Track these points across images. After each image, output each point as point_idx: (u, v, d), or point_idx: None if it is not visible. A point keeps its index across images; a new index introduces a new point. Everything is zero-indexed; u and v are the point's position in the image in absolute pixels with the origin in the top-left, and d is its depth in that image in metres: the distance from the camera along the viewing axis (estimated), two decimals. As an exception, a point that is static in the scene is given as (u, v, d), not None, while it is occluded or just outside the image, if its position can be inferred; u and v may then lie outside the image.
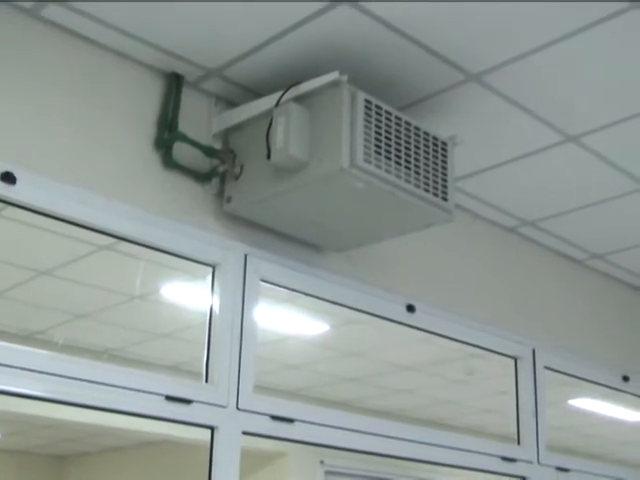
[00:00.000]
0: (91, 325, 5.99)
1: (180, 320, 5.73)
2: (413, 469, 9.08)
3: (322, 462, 8.41)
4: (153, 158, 3.29)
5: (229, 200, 3.38)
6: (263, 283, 3.52)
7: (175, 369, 5.73)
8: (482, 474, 8.64)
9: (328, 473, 8.59)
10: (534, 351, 4.68)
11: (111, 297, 5.56)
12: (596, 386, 5.78)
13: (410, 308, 4.07)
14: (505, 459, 4.41)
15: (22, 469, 10.82)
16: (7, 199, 2.88)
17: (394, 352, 6.50)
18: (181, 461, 8.80)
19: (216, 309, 3.36)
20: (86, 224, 3.08)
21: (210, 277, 3.43)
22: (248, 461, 3.32)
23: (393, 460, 8.33)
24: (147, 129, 3.29)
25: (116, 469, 10.24)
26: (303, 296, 4.64)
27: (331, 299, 3.81)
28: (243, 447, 3.27)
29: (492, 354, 5.32)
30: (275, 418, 3.39)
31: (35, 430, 9.51)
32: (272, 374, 4.16)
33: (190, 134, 3.35)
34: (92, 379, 2.91)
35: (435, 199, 3.27)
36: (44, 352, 2.89)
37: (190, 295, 5.17)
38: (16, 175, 2.85)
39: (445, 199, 3.31)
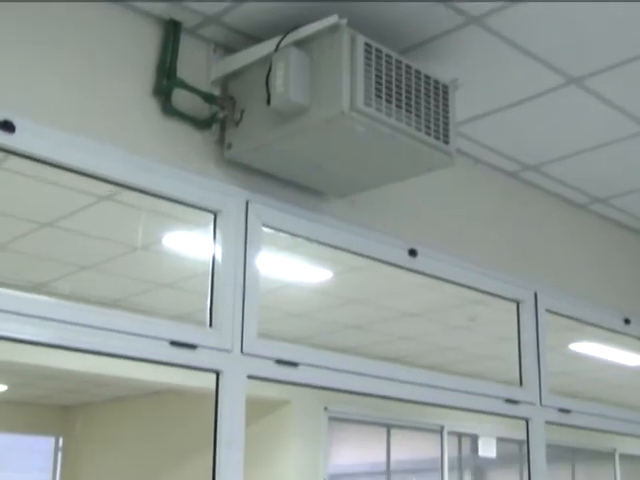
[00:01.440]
0: (94, 277, 6.00)
1: (183, 270, 5.74)
2: (418, 414, 9.17)
3: (326, 408, 8.48)
4: (152, 105, 3.28)
5: (229, 146, 3.37)
6: (265, 229, 3.52)
7: (179, 319, 5.75)
8: (486, 417, 8.75)
9: (332, 419, 8.66)
10: (536, 294, 4.70)
11: (113, 248, 5.56)
12: (597, 330, 5.81)
13: (412, 253, 4.07)
14: (508, 401, 4.44)
15: (28, 420, 10.93)
16: (6, 148, 2.87)
17: (396, 299, 6.51)
18: (186, 410, 8.89)
19: (219, 256, 3.37)
20: (86, 172, 3.08)
21: (212, 225, 3.43)
22: (252, 409, 3.34)
23: (397, 406, 8.42)
24: (146, 76, 3.27)
25: (121, 419, 10.32)
26: (305, 244, 4.65)
27: (333, 244, 3.82)
28: (247, 395, 3.29)
29: (494, 300, 5.35)
30: (279, 362, 3.41)
31: (41, 381, 9.59)
32: (275, 322, 4.17)
33: (189, 81, 3.33)
34: (97, 325, 2.94)
35: (436, 142, 3.26)
36: (49, 299, 2.91)
37: (192, 244, 5.18)
38: (15, 124, 2.84)
39: (446, 142, 3.30)
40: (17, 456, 11.18)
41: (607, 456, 11.73)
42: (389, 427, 9.73)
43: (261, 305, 3.43)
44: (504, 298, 4.63)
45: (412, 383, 3.97)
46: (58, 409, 11.21)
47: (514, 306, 4.72)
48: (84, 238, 5.39)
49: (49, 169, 3.05)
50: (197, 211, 3.47)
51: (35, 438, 11.40)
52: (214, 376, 3.27)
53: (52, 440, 11.40)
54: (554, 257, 4.96)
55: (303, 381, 3.55)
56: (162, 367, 7.11)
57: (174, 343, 3.11)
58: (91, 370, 7.44)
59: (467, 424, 9.91)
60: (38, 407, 11.00)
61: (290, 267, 5.67)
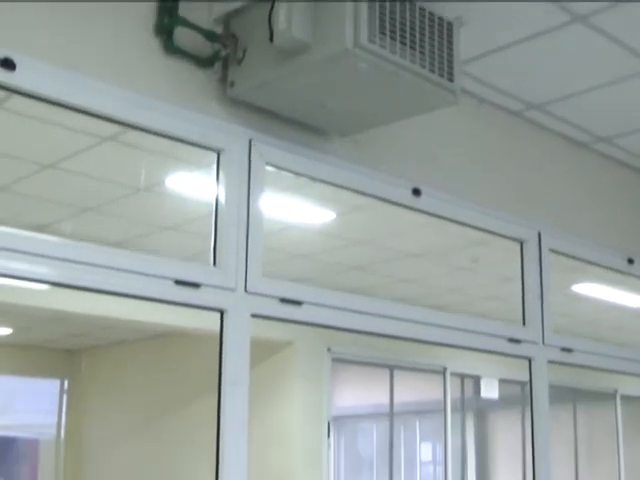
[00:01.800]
0: (96, 218, 5.99)
1: (186, 212, 5.73)
2: (420, 356, 9.22)
3: (329, 350, 8.52)
4: (154, 44, 3.25)
5: (232, 85, 3.35)
6: (268, 168, 3.51)
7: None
8: (488, 358, 8.79)
9: (335, 360, 8.71)
10: (539, 234, 4.70)
11: (116, 190, 5.54)
12: (600, 272, 5.81)
13: (416, 192, 4.07)
14: (511, 340, 4.47)
15: (34, 363, 11.00)
16: (7, 86, 2.85)
17: (399, 240, 6.51)
18: (190, 352, 8.94)
19: (222, 195, 3.36)
20: (88, 111, 3.06)
21: (215, 165, 3.42)
22: (256, 351, 3.35)
23: (400, 347, 8.48)
24: (147, 15, 3.24)
25: (126, 361, 10.39)
26: (308, 184, 4.63)
27: (336, 183, 3.81)
28: (251, 336, 3.30)
29: (497, 241, 5.34)
30: (283, 301, 3.43)
31: (46, 324, 9.63)
32: (278, 264, 4.18)
33: (191, 19, 3.29)
34: (101, 264, 2.94)
35: (440, 80, 3.24)
36: (53, 238, 2.91)
37: (196, 186, 5.16)
38: (16, 61, 2.82)
39: (451, 80, 3.28)
40: (23, 399, 11.28)
41: (608, 397, 11.82)
42: (392, 368, 9.79)
43: (264, 246, 3.43)
44: (507, 238, 4.63)
45: (415, 322, 3.99)
46: (63, 352, 11.27)
47: (517, 247, 4.72)
48: (86, 180, 5.37)
49: (50, 109, 3.03)
50: (200, 152, 3.46)
51: (41, 381, 11.49)
52: (218, 316, 3.28)
53: (57, 383, 11.48)
54: (558, 197, 4.95)
55: (307, 320, 3.57)
56: (167, 309, 7.13)
57: (178, 282, 3.12)
58: (96, 312, 7.47)
59: (470, 365, 9.98)
60: (44, 350, 11.07)
61: (293, 208, 5.65)
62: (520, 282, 4.72)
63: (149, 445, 9.65)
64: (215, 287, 3.22)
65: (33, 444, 11.11)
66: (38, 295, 7.15)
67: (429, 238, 6.35)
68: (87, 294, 6.76)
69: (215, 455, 3.19)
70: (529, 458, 4.58)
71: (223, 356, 3.23)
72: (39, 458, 11.04)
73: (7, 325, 9.73)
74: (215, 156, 3.42)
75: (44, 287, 7.03)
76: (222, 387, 3.19)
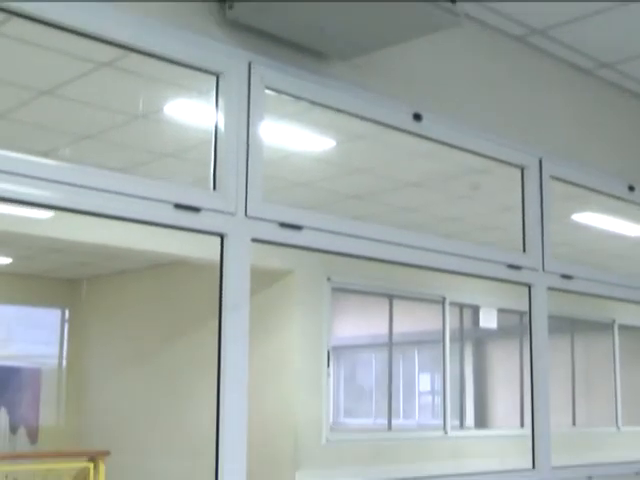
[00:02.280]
0: (96, 146, 5.97)
1: (186, 139, 5.70)
2: (420, 285, 9.26)
3: (329, 279, 8.55)
4: (151, -35, 3.18)
5: (231, 7, 3.29)
6: (268, 92, 3.47)
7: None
8: (487, 288, 8.82)
9: (335, 290, 8.75)
10: (541, 161, 4.67)
11: (114, 117, 5.51)
12: (600, 200, 5.80)
13: (417, 117, 4.02)
14: (510, 266, 4.47)
15: (34, 293, 11.05)
16: (4, 7, 2.80)
17: (399, 168, 6.49)
18: (192, 281, 8.97)
19: (222, 118, 3.32)
20: (85, 33, 3.00)
21: (214, 91, 3.38)
22: (256, 279, 3.35)
23: (399, 276, 8.50)
24: None
25: (126, 291, 10.44)
26: (308, 111, 4.59)
27: (337, 107, 3.76)
28: (251, 265, 3.30)
29: (497, 169, 5.31)
30: (283, 225, 3.41)
31: (46, 254, 9.65)
32: (278, 192, 4.15)
33: (188, -63, 3.23)
34: (101, 187, 2.92)
35: (444, 1, 3.19)
36: (52, 162, 2.89)
37: (195, 112, 5.12)
38: (7, -18, 2.77)
39: (453, 1, 3.22)
40: (24, 329, 11.35)
41: (606, 327, 11.91)
42: (391, 298, 9.83)
43: (264, 174, 3.41)
44: (509, 164, 4.60)
45: (415, 248, 3.98)
46: (65, 282, 11.32)
47: (517, 175, 4.70)
48: (84, 106, 5.33)
49: (47, 33, 2.98)
50: (199, 77, 3.41)
51: (42, 311, 11.54)
52: (218, 244, 3.26)
53: (59, 312, 11.55)
54: (559, 123, 4.91)
55: (307, 244, 3.55)
56: (168, 238, 7.18)
57: (178, 206, 3.10)
58: (97, 241, 7.48)
59: (468, 295, 10.02)
60: (44, 280, 11.11)
61: (293, 136, 5.62)
62: (520, 211, 4.70)
63: (150, 372, 9.74)
64: (215, 211, 3.20)
65: (35, 373, 11.21)
66: (39, 224, 7.15)
67: (429, 166, 6.32)
68: (88, 223, 6.77)
69: (216, 380, 3.21)
70: (527, 388, 4.61)
71: (223, 280, 3.22)
72: (41, 386, 11.14)
73: (7, 254, 9.75)
74: (214, 81, 3.38)
75: (45, 216, 7.05)
76: (223, 311, 3.19)
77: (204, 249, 3.54)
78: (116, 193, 2.95)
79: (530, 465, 4.53)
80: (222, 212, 3.22)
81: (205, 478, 3.24)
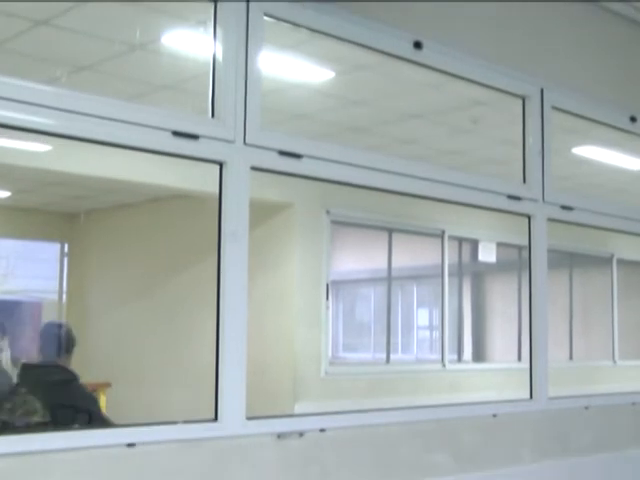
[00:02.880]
0: (92, 77, 5.91)
1: (183, 70, 5.65)
2: (419, 219, 9.26)
3: (328, 212, 8.53)
4: None
5: None
6: (267, 19, 3.42)
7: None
8: (486, 222, 8.81)
9: (334, 222, 8.74)
10: (542, 91, 4.62)
11: (111, 48, 5.44)
12: (600, 133, 5.77)
13: (417, 45, 3.97)
14: (510, 197, 4.45)
15: (33, 227, 11.03)
16: None
17: (399, 100, 6.45)
18: (192, 214, 8.95)
19: (220, 46, 3.28)
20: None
21: (212, 17, 3.33)
22: (256, 212, 3.35)
23: (399, 209, 8.48)
24: None
25: (126, 225, 10.42)
26: (307, 41, 4.54)
27: (336, 35, 3.72)
28: (251, 197, 3.28)
29: (497, 101, 5.27)
30: (283, 153, 3.39)
31: (45, 187, 9.62)
32: (277, 124, 4.11)
33: None
34: (99, 114, 2.90)
35: None
36: (50, 88, 2.86)
37: (193, 43, 5.07)
38: None
39: None
40: (24, 263, 11.36)
41: (605, 261, 11.93)
42: (390, 231, 9.83)
43: (263, 107, 3.38)
44: (510, 94, 4.56)
45: (415, 177, 3.96)
46: (64, 215, 11.29)
47: (518, 108, 4.66)
48: (81, 37, 5.27)
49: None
50: (197, 7, 3.36)
51: (41, 246, 11.54)
52: (216, 178, 3.25)
53: (58, 246, 11.55)
54: (562, 53, 4.86)
55: (306, 173, 3.53)
56: (167, 171, 7.14)
57: (176, 133, 3.08)
58: (96, 174, 7.46)
59: (468, 229, 10.02)
60: (43, 213, 11.08)
61: (292, 67, 5.57)
62: (521, 145, 4.67)
63: (151, 305, 9.78)
64: (214, 139, 3.18)
65: (36, 307, 11.25)
66: (37, 157, 7.11)
67: (429, 98, 6.29)
68: (87, 156, 6.74)
69: (216, 309, 3.22)
70: (525, 322, 4.62)
71: (222, 208, 3.21)
72: (42, 320, 11.19)
73: (5, 188, 9.72)
74: (212, 8, 3.32)
75: (43, 148, 7.01)
76: (222, 239, 3.19)
77: (204, 182, 3.52)
78: (114, 120, 2.93)
79: (528, 396, 4.58)
80: (221, 140, 3.20)
81: (205, 410, 3.27)
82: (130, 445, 2.90)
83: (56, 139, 2.93)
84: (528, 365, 4.61)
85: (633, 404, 5.20)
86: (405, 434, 3.87)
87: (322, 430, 3.48)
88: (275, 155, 3.37)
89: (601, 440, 4.91)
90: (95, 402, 5.22)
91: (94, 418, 4.80)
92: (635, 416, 5.20)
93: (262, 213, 8.06)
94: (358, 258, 11.52)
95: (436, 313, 11.52)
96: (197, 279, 8.71)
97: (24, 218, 10.81)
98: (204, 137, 3.15)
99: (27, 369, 5.35)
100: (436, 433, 4.03)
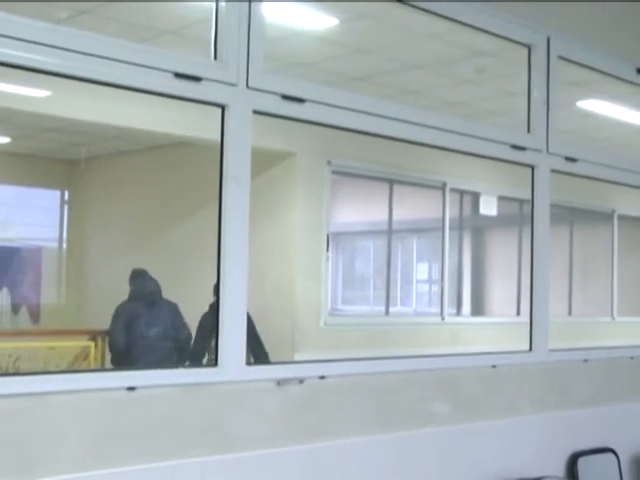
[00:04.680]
0: (93, 21, 5.83)
1: (185, 15, 5.59)
2: (421, 170, 9.21)
3: (329, 162, 8.48)
4: None
5: None
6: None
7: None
8: (488, 175, 8.76)
9: (335, 173, 8.69)
10: (548, 39, 4.56)
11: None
12: (604, 87, 5.70)
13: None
14: (514, 147, 4.42)
15: (32, 173, 10.98)
16: None
17: (403, 50, 6.39)
18: (192, 162, 8.91)
19: (222, -9, 3.22)
20: None
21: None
22: (257, 161, 3.31)
23: (400, 161, 8.42)
24: None
25: (126, 172, 10.38)
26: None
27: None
28: (252, 146, 3.25)
29: (502, 52, 5.21)
30: (285, 97, 3.35)
31: (44, 133, 9.57)
32: (280, 74, 4.07)
33: None
34: (100, 54, 2.86)
35: None
36: (51, 25, 2.81)
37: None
38: None
39: None
40: (24, 211, 11.34)
41: (606, 217, 11.89)
42: (391, 183, 9.78)
43: (265, 54, 3.33)
44: (516, 42, 4.50)
45: (419, 124, 3.92)
46: (64, 163, 11.23)
47: (523, 58, 4.59)
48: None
49: None
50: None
51: (41, 193, 11.49)
52: (216, 125, 3.22)
53: (58, 194, 11.51)
54: (569, 2, 4.78)
55: (308, 118, 3.50)
56: (168, 118, 7.06)
57: (178, 75, 3.05)
58: (95, 120, 7.41)
59: (469, 182, 9.97)
60: (44, 160, 11.02)
61: (295, 13, 5.49)
62: (526, 96, 4.62)
63: (150, 254, 9.77)
64: (216, 81, 3.14)
65: (36, 253, 11.24)
66: (36, 101, 7.06)
67: (433, 47, 6.21)
68: (86, 101, 6.67)
69: (217, 254, 3.20)
70: (524, 276, 4.61)
71: (224, 152, 3.18)
72: (42, 267, 11.19)
73: (5, 133, 9.66)
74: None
75: (42, 94, 6.95)
76: (223, 182, 3.17)
77: (204, 129, 3.49)
78: (115, 60, 2.90)
79: (527, 348, 4.58)
80: (223, 82, 3.16)
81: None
82: (130, 389, 2.90)
83: (55, 84, 2.90)
84: (527, 320, 4.61)
85: (632, 358, 5.22)
86: (405, 383, 3.88)
87: (322, 377, 3.48)
88: (278, 99, 3.33)
89: (599, 393, 4.93)
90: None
91: None
92: (633, 369, 5.21)
93: (263, 162, 8.01)
94: (358, 210, 11.49)
95: (435, 267, 11.51)
96: (196, 228, 8.70)
97: (24, 164, 10.76)
98: (206, 79, 3.11)
99: None
100: (436, 383, 4.04)
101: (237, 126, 3.19)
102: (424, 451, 3.88)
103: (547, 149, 4.57)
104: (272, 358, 6.78)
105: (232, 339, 3.17)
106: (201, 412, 3.12)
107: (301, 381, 3.39)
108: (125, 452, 2.91)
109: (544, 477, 4.37)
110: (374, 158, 8.39)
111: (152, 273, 9.65)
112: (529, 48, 4.54)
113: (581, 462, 4.65)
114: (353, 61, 6.63)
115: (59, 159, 11.08)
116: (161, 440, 3.00)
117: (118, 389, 2.90)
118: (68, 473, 2.77)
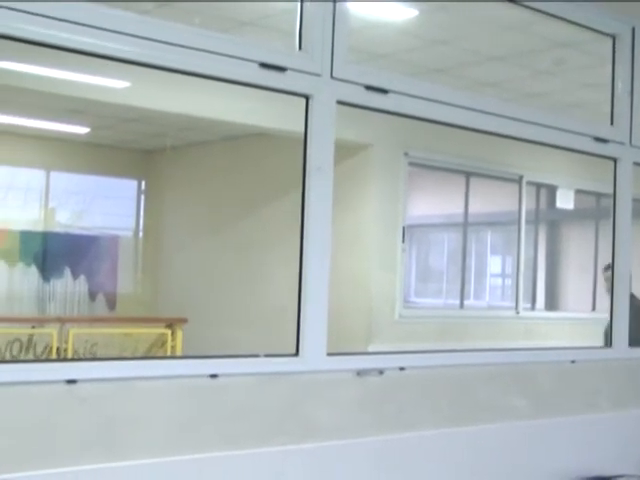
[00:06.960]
0: (177, 14, 5.88)
1: (269, 6, 5.61)
2: (497, 163, 9.12)
3: (406, 154, 8.44)
4: None
5: None
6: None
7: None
8: (565, 168, 8.63)
9: (412, 164, 8.65)
10: (633, 29, 4.47)
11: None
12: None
13: (508, -18, 3.88)
14: (597, 139, 4.34)
15: (110, 163, 11.13)
16: None
17: (482, 41, 6.34)
18: (270, 153, 8.96)
19: (305, -21, 3.23)
20: None
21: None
22: (334, 151, 3.32)
23: (477, 154, 8.35)
24: None
25: (204, 163, 10.46)
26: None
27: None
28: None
29: (583, 44, 5.13)
30: (369, 88, 3.36)
31: (123, 124, 9.69)
32: (362, 64, 4.07)
33: None
34: (185, 44, 2.89)
35: None
36: (136, 15, 2.85)
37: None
38: None
39: None
40: (102, 200, 11.50)
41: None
42: (468, 175, 9.70)
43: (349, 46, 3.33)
44: (600, 32, 4.43)
45: (500, 116, 3.89)
46: (141, 153, 11.36)
47: (604, 49, 4.51)
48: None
49: None
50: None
51: (119, 182, 11.65)
52: (294, 116, 3.25)
53: (135, 184, 11.66)
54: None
55: (392, 109, 3.50)
56: (245, 109, 7.08)
57: (263, 65, 3.06)
58: (173, 110, 7.48)
59: (546, 175, 9.84)
60: (121, 150, 11.17)
61: (375, 2, 5.47)
62: (607, 88, 4.55)
63: (226, 244, 9.85)
64: (301, 72, 3.15)
65: (114, 242, 11.40)
66: (116, 92, 7.15)
67: (513, 40, 6.16)
68: (165, 92, 6.74)
69: (300, 244, 3.22)
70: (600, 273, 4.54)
71: (308, 142, 3.20)
72: (119, 255, 11.35)
73: (84, 124, 9.80)
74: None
75: (122, 85, 7.04)
76: (307, 173, 3.19)
77: (283, 121, 3.51)
78: (202, 50, 2.92)
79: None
80: (308, 72, 3.17)
81: (278, 347, 3.30)
82: (213, 376, 2.93)
83: (134, 76, 2.93)
84: (602, 316, 4.53)
85: None
86: (482, 376, 3.85)
87: (402, 369, 3.48)
88: (362, 89, 3.34)
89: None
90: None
91: None
92: None
93: (340, 153, 7.99)
94: (434, 202, 11.43)
95: (508, 261, 11.39)
96: (272, 218, 8.74)
97: (103, 154, 10.92)
98: (291, 70, 3.13)
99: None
100: (513, 377, 4.00)
101: (321, 116, 3.20)
102: (498, 445, 3.85)
103: (630, 142, 4.48)
104: (347, 349, 6.78)
105: (313, 327, 3.19)
106: (282, 401, 3.14)
107: (381, 372, 3.39)
108: (207, 438, 2.94)
109: (621, 475, 4.30)
110: (451, 150, 8.33)
111: (225, 262, 9.75)
112: (613, 38, 4.46)
113: (661, 462, 4.57)
114: (432, 52, 6.59)
115: (136, 149, 11.22)
116: (242, 428, 3.03)
117: (201, 376, 2.93)
118: (151, 457, 2.81)
